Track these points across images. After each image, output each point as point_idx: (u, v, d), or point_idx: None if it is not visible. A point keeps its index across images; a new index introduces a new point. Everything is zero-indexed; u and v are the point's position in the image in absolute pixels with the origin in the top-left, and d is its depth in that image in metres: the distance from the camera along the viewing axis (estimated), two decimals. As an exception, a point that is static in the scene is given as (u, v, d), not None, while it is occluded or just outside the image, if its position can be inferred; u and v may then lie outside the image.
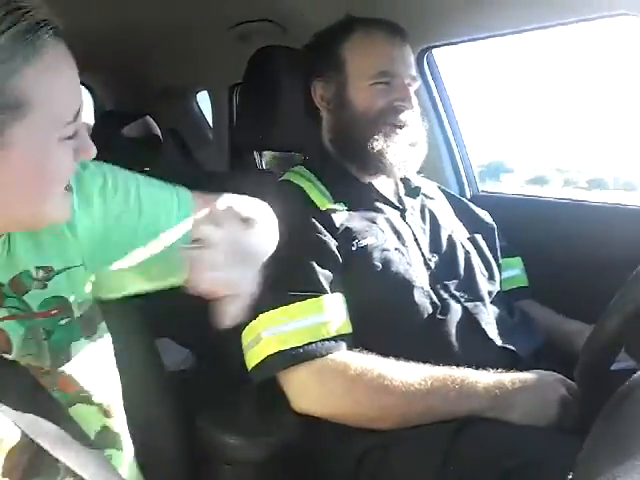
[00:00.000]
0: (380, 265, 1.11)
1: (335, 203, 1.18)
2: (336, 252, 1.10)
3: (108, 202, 0.80)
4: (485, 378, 0.99)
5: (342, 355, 1.03)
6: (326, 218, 1.14)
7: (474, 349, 1.08)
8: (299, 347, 1.01)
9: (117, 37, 2.10)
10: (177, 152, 2.83)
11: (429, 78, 1.71)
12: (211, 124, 2.79)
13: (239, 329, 1.08)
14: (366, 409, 1.01)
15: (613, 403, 0.65)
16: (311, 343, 1.02)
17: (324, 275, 1.07)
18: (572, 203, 1.60)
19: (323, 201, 1.18)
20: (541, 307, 1.33)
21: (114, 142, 2.37)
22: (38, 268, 0.76)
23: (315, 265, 1.07)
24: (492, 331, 1.12)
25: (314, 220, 1.12)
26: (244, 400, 1.15)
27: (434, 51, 1.68)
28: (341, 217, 1.15)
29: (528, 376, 1.00)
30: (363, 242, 1.12)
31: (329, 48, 1.24)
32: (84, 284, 0.80)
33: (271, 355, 1.03)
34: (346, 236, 1.12)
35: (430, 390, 0.98)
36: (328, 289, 1.06)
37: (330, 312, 1.05)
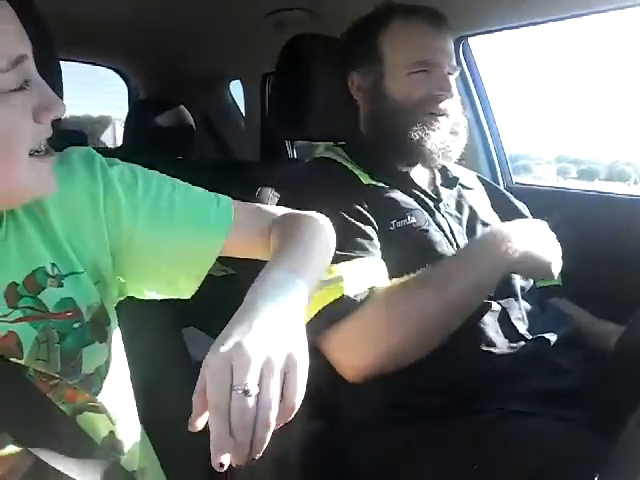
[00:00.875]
0: (419, 244, 1.10)
1: (376, 181, 1.18)
2: (375, 226, 1.10)
3: (136, 200, 0.77)
4: (461, 250, 1.09)
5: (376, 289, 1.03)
6: (368, 193, 1.13)
7: (506, 342, 1.06)
8: (352, 295, 1.00)
9: (151, 26, 2.12)
10: (210, 141, 2.85)
11: (465, 67, 1.69)
12: (244, 113, 2.80)
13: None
14: (408, 328, 0.99)
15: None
16: (361, 293, 1.01)
17: (372, 243, 1.07)
18: (608, 196, 1.56)
19: (365, 177, 1.17)
20: (573, 305, 1.31)
21: (148, 131, 2.40)
22: (54, 265, 0.73)
23: (360, 231, 1.07)
24: (521, 326, 1.10)
25: (355, 192, 1.12)
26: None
27: (470, 40, 1.66)
28: (382, 194, 1.15)
29: (497, 228, 1.09)
30: (401, 222, 1.11)
31: (366, 38, 1.22)
32: (90, 287, 0.76)
33: (327, 306, 1.00)
34: (385, 213, 1.11)
35: (444, 275, 1.01)
36: (377, 254, 1.06)
37: (378, 271, 1.05)
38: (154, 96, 2.81)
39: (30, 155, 0.65)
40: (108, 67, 2.90)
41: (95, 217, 0.75)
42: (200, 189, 0.84)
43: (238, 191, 1.40)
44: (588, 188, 1.69)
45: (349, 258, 1.03)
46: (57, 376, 0.71)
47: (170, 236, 0.78)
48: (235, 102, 2.88)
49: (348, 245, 1.04)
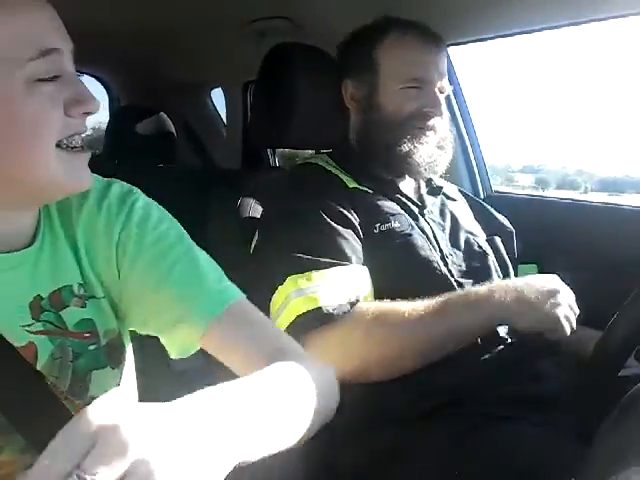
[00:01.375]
0: (402, 248, 1.11)
1: (361, 185, 1.19)
2: (359, 230, 1.11)
3: (143, 246, 0.75)
4: (480, 290, 1.04)
5: (358, 308, 1.03)
6: (352, 196, 1.15)
7: (487, 342, 1.08)
8: (328, 307, 1.01)
9: (132, 33, 2.11)
10: (191, 149, 2.84)
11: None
12: (225, 121, 2.80)
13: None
14: (387, 349, 1.01)
15: (620, 410, 0.65)
16: (341, 305, 1.02)
17: (351, 247, 1.08)
18: (585, 204, 1.59)
19: (350, 182, 1.19)
20: None
21: (129, 138, 2.38)
22: (81, 285, 0.74)
23: (342, 237, 1.08)
24: (502, 329, 1.11)
25: (339, 196, 1.13)
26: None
27: (450, 50, 1.68)
28: (367, 198, 1.16)
29: (521, 281, 1.05)
30: (385, 226, 1.13)
31: (363, 49, 1.24)
32: (109, 313, 0.77)
33: (301, 315, 1.02)
34: (369, 218, 1.13)
35: (441, 308, 1.01)
36: (355, 261, 1.07)
37: (357, 280, 1.06)
38: (135, 103, 2.80)
39: (61, 147, 0.66)
40: (89, 74, 2.88)
41: (109, 248, 0.75)
42: (215, 267, 0.79)
43: (219, 200, 1.40)
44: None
45: (329, 265, 1.04)
46: (64, 392, 0.72)
47: (158, 294, 0.75)
48: (216, 110, 2.88)
49: (329, 251, 1.05)
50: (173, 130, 2.49)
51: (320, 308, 1.01)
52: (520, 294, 1.02)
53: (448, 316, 1.01)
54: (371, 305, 1.03)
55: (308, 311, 1.02)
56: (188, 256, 0.76)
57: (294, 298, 1.03)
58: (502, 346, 1.10)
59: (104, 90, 2.94)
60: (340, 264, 1.05)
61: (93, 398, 0.72)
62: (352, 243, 1.08)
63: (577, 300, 1.07)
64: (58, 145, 0.66)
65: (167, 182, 2.37)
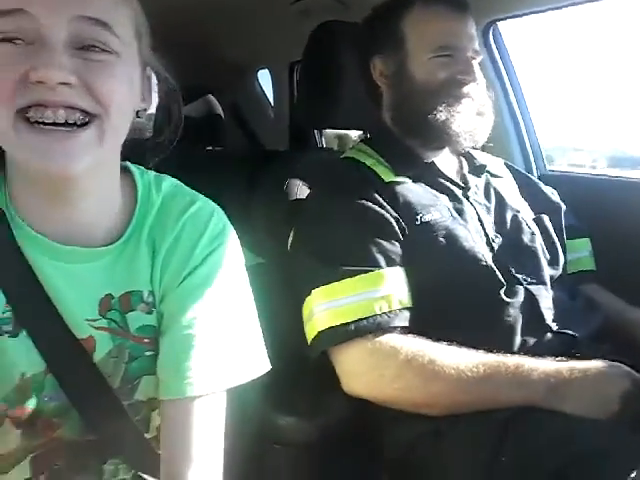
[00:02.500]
0: (444, 240, 1.09)
1: (399, 177, 1.17)
2: (396, 226, 1.09)
3: (176, 280, 0.74)
4: (542, 366, 0.95)
5: (394, 338, 1.01)
6: (390, 191, 1.13)
7: (531, 333, 1.06)
8: (350, 323, 1.00)
9: (178, 14, 2.12)
10: (239, 131, 2.86)
11: (495, 52, 1.65)
12: (272, 102, 2.80)
13: (295, 308, 1.09)
14: (416, 395, 0.99)
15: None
16: (363, 319, 1.00)
17: (382, 249, 1.06)
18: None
19: (388, 174, 1.17)
20: (606, 292, 1.28)
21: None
22: (150, 293, 0.75)
23: (372, 239, 1.06)
24: (549, 316, 1.09)
25: (376, 194, 1.11)
26: (296, 382, 1.15)
27: (500, 25, 1.63)
28: (405, 190, 1.14)
29: (590, 366, 0.94)
30: (427, 217, 1.10)
31: (388, 23, 1.21)
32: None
33: (322, 331, 1.03)
34: (409, 210, 1.11)
35: (482, 378, 0.95)
36: (384, 264, 1.05)
37: (385, 287, 1.03)
38: (182, 86, 2.82)
39: (25, 120, 0.62)
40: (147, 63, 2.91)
41: (178, 268, 0.75)
42: (218, 341, 0.74)
43: (267, 182, 1.40)
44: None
45: (354, 274, 1.03)
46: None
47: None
48: (263, 91, 2.87)
49: (357, 258, 1.04)
50: (221, 112, 2.51)
51: (342, 325, 1.01)
52: (579, 386, 0.92)
53: (490, 388, 0.95)
54: (407, 342, 1.00)
55: (330, 327, 1.02)
56: (209, 317, 0.73)
57: (317, 312, 1.04)
58: (550, 335, 1.06)
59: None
60: (366, 271, 1.03)
61: (138, 401, 0.76)
62: (384, 245, 1.06)
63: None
64: (25, 117, 0.62)
65: (215, 165, 2.40)
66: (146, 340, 0.75)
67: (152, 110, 0.78)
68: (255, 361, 0.77)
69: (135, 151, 0.79)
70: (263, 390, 1.14)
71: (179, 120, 0.83)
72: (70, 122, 0.63)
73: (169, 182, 0.80)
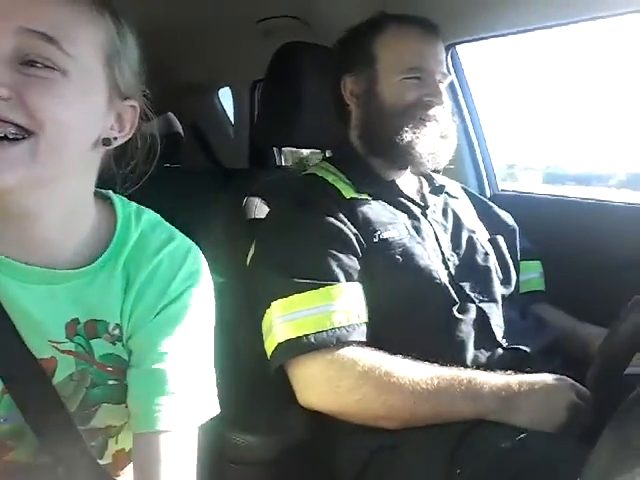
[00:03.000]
0: (401, 258, 1.11)
1: (359, 194, 1.18)
2: (355, 242, 1.10)
3: (146, 318, 0.74)
4: (492, 380, 0.98)
5: (351, 351, 1.02)
6: (350, 207, 1.14)
7: (483, 348, 1.08)
8: (309, 335, 1.01)
9: (139, 32, 2.12)
10: (198, 149, 2.84)
11: (453, 75, 1.70)
12: (232, 121, 2.80)
13: (253, 326, 1.09)
14: (372, 407, 1.00)
15: (625, 408, 0.64)
16: (322, 332, 1.01)
17: (341, 264, 1.07)
18: (593, 203, 1.58)
19: (348, 191, 1.18)
20: (556, 310, 1.32)
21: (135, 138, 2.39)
22: (117, 325, 0.74)
23: (332, 254, 1.07)
24: (499, 333, 1.11)
25: (337, 209, 1.12)
26: (253, 399, 1.15)
27: (458, 48, 1.68)
28: (365, 207, 1.16)
29: (537, 379, 0.98)
30: (385, 234, 1.12)
31: (361, 43, 1.24)
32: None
33: (281, 343, 1.03)
34: (368, 227, 1.12)
35: (437, 390, 0.97)
36: (343, 278, 1.06)
37: (343, 301, 1.04)
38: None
39: None
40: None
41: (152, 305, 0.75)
42: (186, 378, 0.74)
43: (225, 199, 1.40)
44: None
45: (312, 287, 1.04)
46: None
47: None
48: (224, 109, 2.88)
49: (316, 272, 1.05)
50: (180, 130, 2.50)
51: (300, 337, 1.01)
52: (527, 399, 0.95)
53: (444, 400, 0.97)
54: (364, 355, 1.01)
55: (289, 340, 1.02)
56: (180, 353, 0.73)
57: (276, 325, 1.04)
58: (501, 351, 1.09)
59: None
60: (324, 284, 1.04)
61: (94, 428, 0.76)
62: (343, 260, 1.07)
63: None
64: None
65: (173, 182, 2.38)
66: (109, 368, 0.74)
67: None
68: (214, 399, 0.77)
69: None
70: (220, 409, 1.13)
71: (155, 148, 0.84)
72: (1, 135, 0.62)
73: (150, 216, 0.79)
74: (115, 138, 0.73)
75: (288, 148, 2.47)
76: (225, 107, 2.87)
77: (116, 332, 0.74)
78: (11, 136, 0.62)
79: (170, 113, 2.47)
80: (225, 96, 2.83)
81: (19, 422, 0.71)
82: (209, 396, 0.76)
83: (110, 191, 0.79)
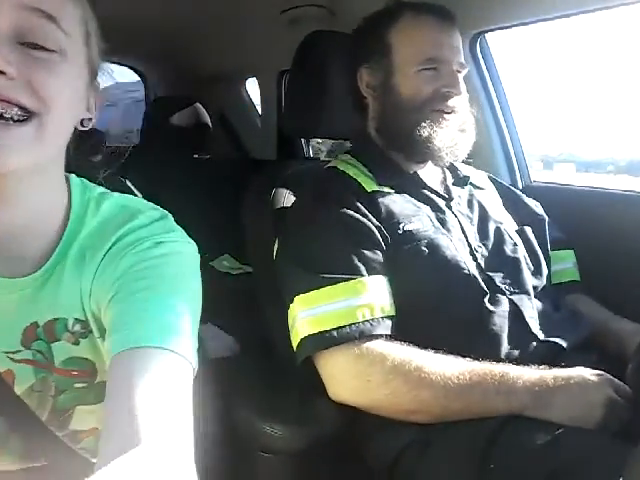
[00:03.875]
0: (427, 250, 1.09)
1: (381, 187, 1.17)
2: (378, 234, 1.09)
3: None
4: (526, 374, 0.96)
5: (380, 345, 1.01)
6: (372, 200, 1.13)
7: (517, 342, 1.06)
8: (332, 330, 1.00)
9: (168, 24, 2.13)
10: (226, 139, 2.86)
11: (482, 64, 1.67)
12: (260, 111, 2.80)
13: (282, 317, 1.09)
14: (403, 402, 0.99)
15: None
16: (345, 326, 1.00)
17: (363, 258, 1.06)
18: (628, 194, 1.54)
19: (370, 184, 1.17)
20: (591, 302, 1.29)
21: (164, 129, 2.41)
22: (77, 321, 0.69)
23: (354, 247, 1.06)
24: (535, 325, 1.09)
25: (358, 203, 1.11)
26: (285, 389, 1.16)
27: (487, 36, 1.65)
28: (387, 200, 1.14)
29: (573, 374, 0.96)
30: (409, 226, 1.11)
31: (376, 34, 1.22)
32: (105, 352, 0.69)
33: (305, 337, 1.03)
34: (391, 219, 1.11)
35: (469, 385, 0.96)
36: (366, 272, 1.05)
37: (367, 295, 1.03)
38: (171, 94, 2.82)
39: None
40: (125, 65, 2.91)
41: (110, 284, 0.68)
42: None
43: (253, 190, 1.40)
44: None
45: (335, 281, 1.03)
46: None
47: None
48: (251, 100, 2.88)
49: (339, 266, 1.05)
50: (208, 121, 2.51)
51: (322, 332, 1.01)
52: (563, 394, 0.93)
53: (477, 396, 0.95)
54: (393, 349, 1.00)
55: (312, 334, 1.02)
56: (157, 294, 0.65)
57: (299, 320, 1.04)
58: (536, 344, 1.07)
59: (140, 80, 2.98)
60: (347, 279, 1.03)
61: (75, 431, 0.73)
62: (365, 254, 1.06)
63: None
64: None
65: (202, 173, 2.40)
66: (74, 372, 0.70)
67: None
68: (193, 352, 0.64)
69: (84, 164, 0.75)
70: (250, 397, 1.14)
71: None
72: (6, 116, 0.60)
73: (114, 201, 0.73)
74: (90, 119, 0.71)
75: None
76: (252, 98, 2.88)
77: (77, 329, 0.69)
78: (16, 117, 0.60)
79: (198, 104, 2.49)
80: (253, 86, 2.83)
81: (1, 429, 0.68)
82: (189, 343, 0.64)
83: (73, 174, 0.74)
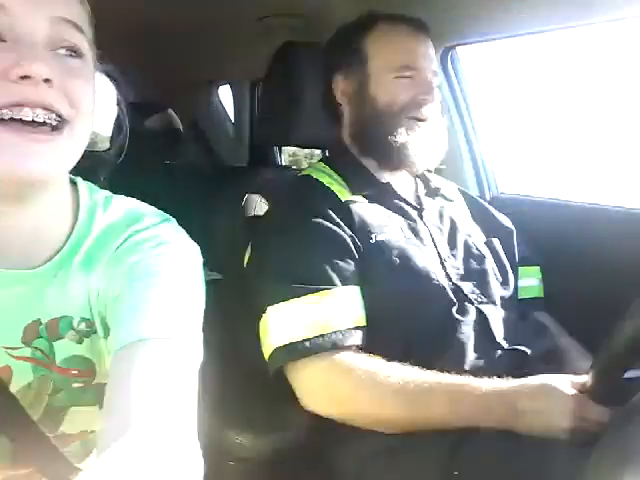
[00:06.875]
0: (398, 260, 1.10)
1: (355, 196, 1.18)
2: (351, 244, 1.10)
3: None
4: (492, 384, 0.96)
5: (349, 357, 1.01)
6: (346, 209, 1.14)
7: (483, 350, 1.08)
8: (304, 340, 1.01)
9: (141, 30, 2.12)
10: (198, 146, 2.85)
11: (452, 77, 1.70)
12: (232, 119, 2.80)
13: (252, 325, 1.09)
14: (371, 412, 1.00)
15: (624, 412, 0.64)
16: (317, 337, 1.01)
17: (337, 268, 1.07)
18: (594, 206, 1.57)
19: (344, 193, 1.18)
20: (552, 322, 1.29)
21: (135, 134, 2.39)
22: (83, 319, 0.69)
23: (328, 257, 1.07)
24: (500, 334, 1.11)
25: (332, 212, 1.12)
26: (253, 398, 1.15)
27: (458, 49, 1.68)
28: (360, 210, 1.15)
29: (537, 382, 0.96)
30: (381, 236, 1.12)
31: (352, 42, 1.23)
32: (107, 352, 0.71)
33: (277, 348, 1.03)
34: (364, 229, 1.12)
35: (435, 397, 0.96)
36: (339, 282, 1.05)
37: (338, 305, 1.04)
38: (143, 100, 2.80)
39: (5, 119, 0.59)
40: (97, 70, 2.88)
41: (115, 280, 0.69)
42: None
43: (225, 197, 1.40)
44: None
45: (307, 292, 1.03)
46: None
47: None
48: (224, 107, 2.88)
49: (311, 276, 1.05)
50: (180, 127, 2.50)
51: (294, 342, 1.01)
52: (530, 402, 0.93)
53: (445, 408, 0.95)
54: (362, 361, 1.01)
55: (284, 345, 1.02)
56: (157, 286, 0.66)
57: (272, 329, 1.04)
58: (501, 352, 1.09)
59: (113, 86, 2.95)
60: (321, 289, 1.04)
61: (64, 434, 0.72)
62: (339, 264, 1.07)
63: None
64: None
65: (172, 179, 2.39)
66: (74, 372, 0.70)
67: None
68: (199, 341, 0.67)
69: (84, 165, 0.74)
70: (218, 406, 1.13)
71: (126, 132, 0.83)
72: (48, 122, 0.61)
73: (120, 204, 0.74)
74: None
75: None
76: (225, 105, 2.88)
77: (82, 327, 0.69)
78: (54, 123, 0.61)
79: (170, 110, 2.48)
80: (225, 94, 2.83)
81: None
82: (194, 335, 0.66)
83: (78, 177, 0.75)
